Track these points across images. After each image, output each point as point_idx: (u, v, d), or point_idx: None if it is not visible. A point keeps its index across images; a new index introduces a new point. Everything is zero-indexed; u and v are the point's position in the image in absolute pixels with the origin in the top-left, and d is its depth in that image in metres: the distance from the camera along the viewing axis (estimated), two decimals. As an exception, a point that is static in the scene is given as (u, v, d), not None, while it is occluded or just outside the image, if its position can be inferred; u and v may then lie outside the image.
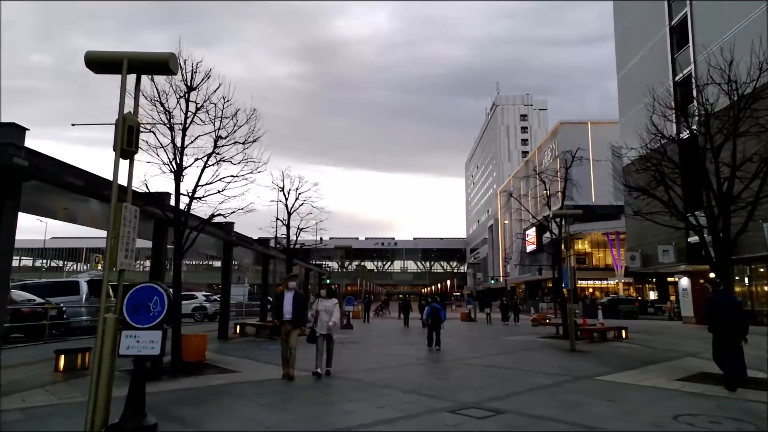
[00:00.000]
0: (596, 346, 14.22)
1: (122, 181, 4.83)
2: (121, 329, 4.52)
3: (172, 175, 9.09)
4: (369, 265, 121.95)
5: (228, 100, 9.01)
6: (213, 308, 26.44)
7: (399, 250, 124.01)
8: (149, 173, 9.03)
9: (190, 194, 9.14)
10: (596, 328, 16.17)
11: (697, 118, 9.94)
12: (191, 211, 9.65)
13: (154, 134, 8.71)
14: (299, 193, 18.37)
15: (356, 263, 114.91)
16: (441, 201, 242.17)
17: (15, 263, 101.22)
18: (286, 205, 18.26)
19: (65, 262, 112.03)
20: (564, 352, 12.56)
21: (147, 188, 8.75)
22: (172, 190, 9.32)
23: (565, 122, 68.66)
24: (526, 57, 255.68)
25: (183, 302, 25.55)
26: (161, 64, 4.77)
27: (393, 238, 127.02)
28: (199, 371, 8.65)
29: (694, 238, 21.91)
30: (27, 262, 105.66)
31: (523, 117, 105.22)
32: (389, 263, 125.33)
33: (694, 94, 21.81)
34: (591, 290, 63.29)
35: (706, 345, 8.39)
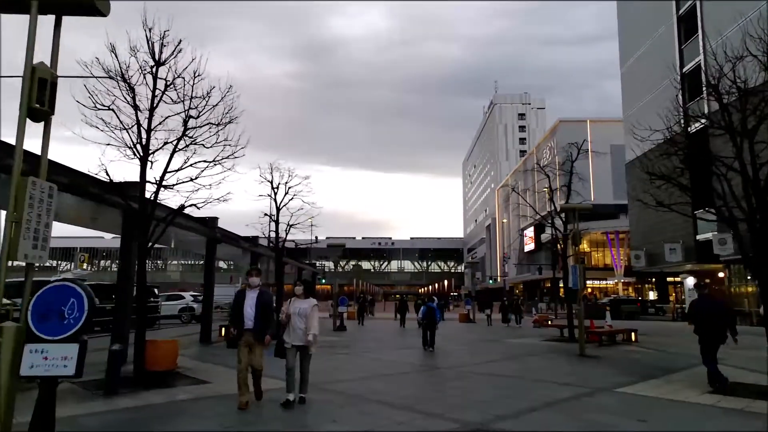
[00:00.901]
0: (606, 350, 13.23)
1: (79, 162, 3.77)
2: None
3: (138, 162, 8.05)
4: (366, 265, 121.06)
5: (199, 75, 7.94)
6: (201, 309, 25.37)
7: (396, 249, 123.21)
8: (110, 157, 7.82)
9: (157, 182, 8.08)
10: (605, 331, 15.18)
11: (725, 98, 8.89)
12: (160, 201, 8.61)
13: (115, 113, 7.65)
14: (289, 187, 17.34)
15: (353, 263, 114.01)
16: (438, 201, 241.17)
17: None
18: (275, 200, 17.23)
19: (59, 262, 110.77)
20: (573, 357, 11.55)
21: (107, 174, 7.67)
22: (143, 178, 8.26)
23: (564, 120, 67.82)
24: (523, 57, 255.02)
25: (169, 303, 24.50)
26: (85, 2, 3.72)
27: (390, 238, 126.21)
28: (166, 383, 7.58)
29: (703, 236, 21.01)
30: (19, 261, 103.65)
31: (521, 116, 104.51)
32: (386, 263, 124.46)
33: (703, 79, 20.86)
34: (590, 290, 62.61)
35: (723, 349, 7.47)
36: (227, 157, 8.38)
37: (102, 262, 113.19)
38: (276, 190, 17.13)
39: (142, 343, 7.79)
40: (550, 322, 24.02)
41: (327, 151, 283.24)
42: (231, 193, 8.86)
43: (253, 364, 6.19)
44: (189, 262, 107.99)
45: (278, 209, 17.13)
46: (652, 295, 55.60)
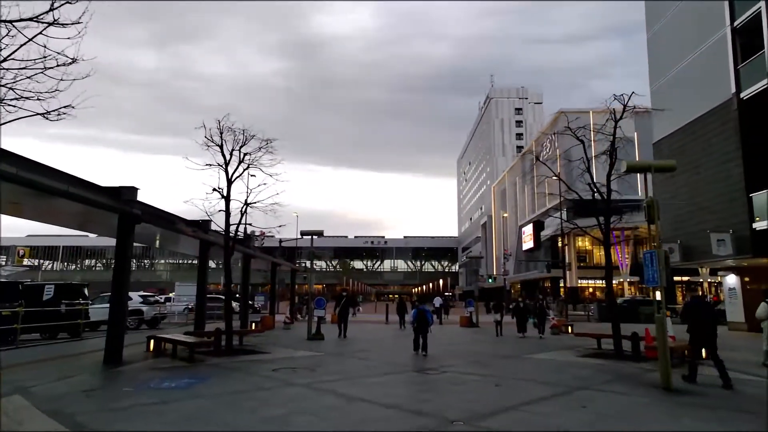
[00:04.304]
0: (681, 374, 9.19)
1: None
2: None
3: None
4: (358, 264, 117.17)
5: None
6: (153, 312, 21.14)
7: (389, 248, 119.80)
8: None
9: None
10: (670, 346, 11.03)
11: None
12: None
13: None
14: (244, 154, 13.14)
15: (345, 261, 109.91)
16: (432, 201, 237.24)
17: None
18: (226, 171, 13.02)
19: (41, 261, 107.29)
20: (658, 392, 7.51)
21: None
22: None
23: (566, 111, 64.04)
24: (511, 56, 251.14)
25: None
26: None
27: (383, 237, 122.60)
28: None
29: (762, 224, 17.19)
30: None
31: (518, 110, 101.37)
32: (379, 262, 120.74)
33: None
34: (591, 290, 59.40)
35: None
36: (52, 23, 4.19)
37: (87, 261, 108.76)
38: (229, 157, 12.94)
39: None
40: (570, 329, 20.10)
41: (316, 149, 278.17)
42: (71, 107, 4.67)
43: None
44: (178, 262, 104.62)
45: (230, 182, 12.91)
46: (658, 296, 52.18)
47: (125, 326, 10.73)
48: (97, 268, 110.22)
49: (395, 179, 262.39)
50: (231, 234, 13.32)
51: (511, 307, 23.13)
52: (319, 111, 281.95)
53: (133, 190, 10.61)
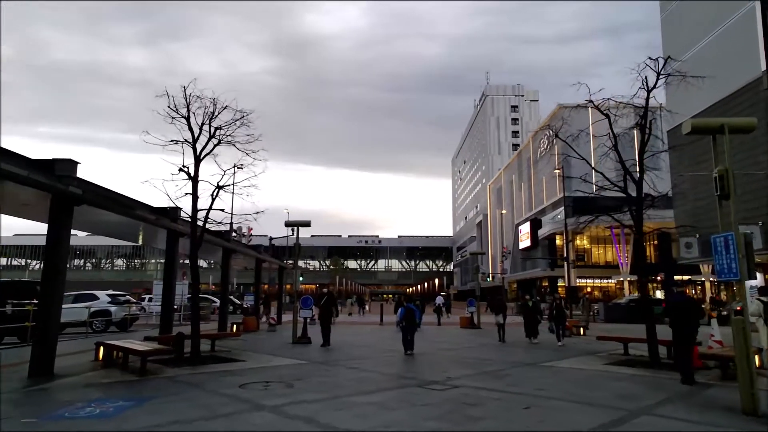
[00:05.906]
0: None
1: None
2: None
3: None
4: (352, 264, 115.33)
5: None
6: (122, 312, 19.11)
7: (383, 248, 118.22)
8: None
9: None
10: (722, 354, 9.20)
11: None
12: None
13: None
14: (215, 129, 11.19)
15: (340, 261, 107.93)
16: (426, 200, 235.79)
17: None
18: (194, 148, 11.08)
19: (28, 261, 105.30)
20: (742, 419, 5.68)
21: None
22: None
23: (564, 106, 62.75)
24: (503, 56, 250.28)
25: (75, 306, 18.05)
26: None
27: (377, 236, 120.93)
28: None
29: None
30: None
31: (514, 108, 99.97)
32: (373, 262, 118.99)
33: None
34: (589, 289, 57.99)
35: None
36: None
37: (76, 261, 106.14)
38: (196, 133, 10.99)
39: None
40: (583, 330, 18.36)
41: (309, 149, 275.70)
42: None
43: None
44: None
45: (198, 159, 10.95)
46: (659, 295, 50.93)
47: (57, 332, 8.74)
48: (87, 268, 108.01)
49: (389, 179, 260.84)
50: (201, 222, 11.37)
51: (518, 304, 21.27)
52: (311, 110, 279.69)
53: (70, 164, 8.64)
